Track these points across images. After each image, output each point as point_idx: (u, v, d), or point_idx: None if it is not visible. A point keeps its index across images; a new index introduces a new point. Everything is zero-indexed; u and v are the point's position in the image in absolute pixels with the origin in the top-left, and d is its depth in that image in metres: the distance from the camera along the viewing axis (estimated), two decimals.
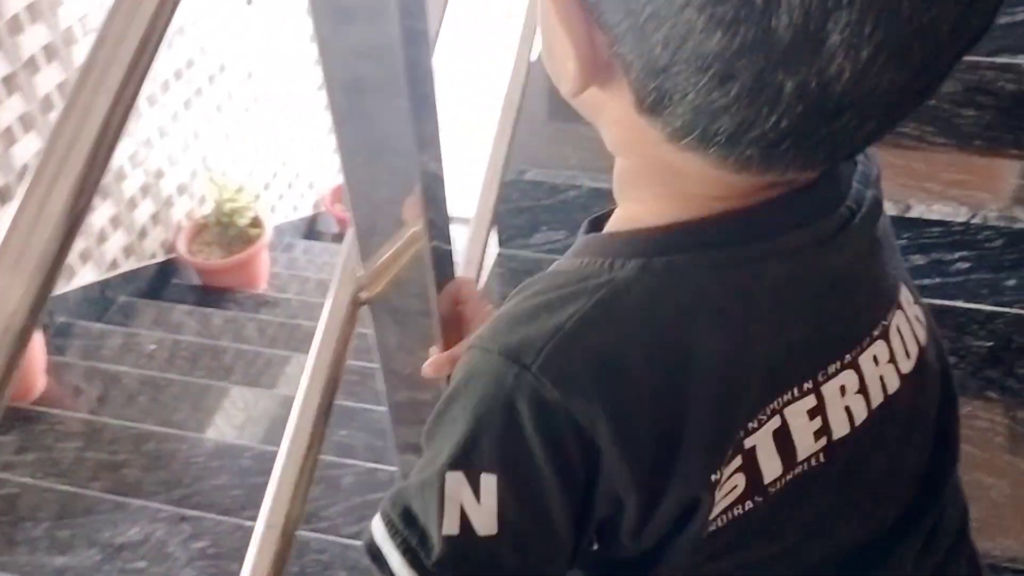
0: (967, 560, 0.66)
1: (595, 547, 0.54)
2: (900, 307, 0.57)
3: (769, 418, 0.51)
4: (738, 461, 0.51)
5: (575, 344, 0.46)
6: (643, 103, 0.43)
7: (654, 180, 0.49)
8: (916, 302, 0.60)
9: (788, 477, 0.53)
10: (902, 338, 0.56)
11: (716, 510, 0.51)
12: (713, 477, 0.49)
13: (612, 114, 0.48)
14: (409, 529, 0.48)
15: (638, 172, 0.51)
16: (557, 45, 0.45)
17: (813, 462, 0.53)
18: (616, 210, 0.54)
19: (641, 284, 0.47)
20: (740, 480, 0.51)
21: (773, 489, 0.52)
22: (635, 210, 0.51)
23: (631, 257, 0.48)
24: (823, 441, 0.53)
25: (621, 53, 0.42)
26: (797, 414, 0.52)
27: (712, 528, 0.52)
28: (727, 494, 0.51)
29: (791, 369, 0.51)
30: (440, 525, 0.47)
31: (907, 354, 0.57)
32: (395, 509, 0.49)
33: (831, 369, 0.53)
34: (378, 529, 0.49)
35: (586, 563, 0.56)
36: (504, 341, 0.47)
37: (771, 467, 0.52)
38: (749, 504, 0.52)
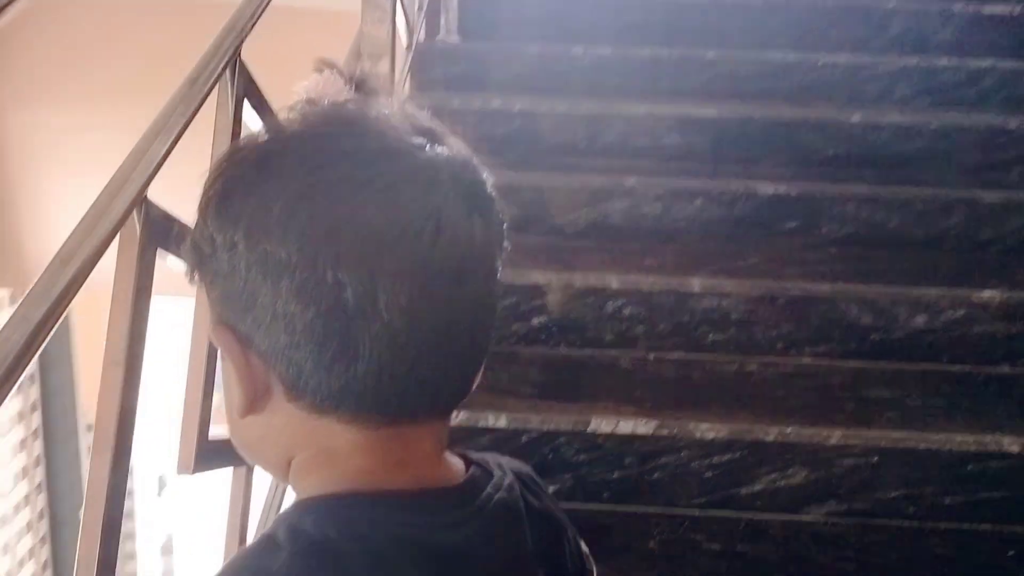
0: None
1: None
2: None
3: None
4: None
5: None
6: (289, 389, 0.57)
7: (323, 463, 0.60)
8: None
9: None
10: None
11: None
12: None
13: (278, 423, 0.60)
14: None
15: (313, 457, 0.61)
16: (233, 387, 0.59)
17: None
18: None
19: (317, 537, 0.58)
20: None
21: None
22: (318, 483, 0.61)
23: (321, 518, 0.58)
24: None
25: (271, 361, 0.57)
26: None
27: None
28: None
29: None
30: None
31: None
32: None
33: None
34: None
35: None
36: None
37: None
38: None
